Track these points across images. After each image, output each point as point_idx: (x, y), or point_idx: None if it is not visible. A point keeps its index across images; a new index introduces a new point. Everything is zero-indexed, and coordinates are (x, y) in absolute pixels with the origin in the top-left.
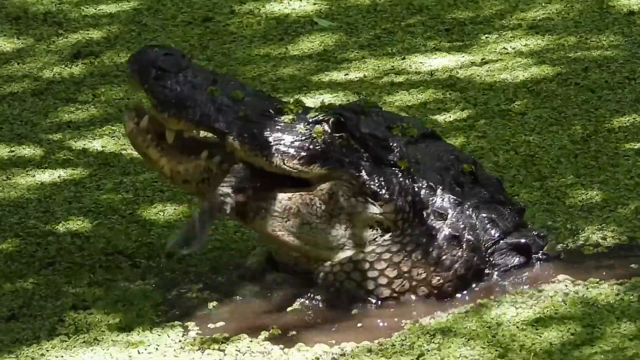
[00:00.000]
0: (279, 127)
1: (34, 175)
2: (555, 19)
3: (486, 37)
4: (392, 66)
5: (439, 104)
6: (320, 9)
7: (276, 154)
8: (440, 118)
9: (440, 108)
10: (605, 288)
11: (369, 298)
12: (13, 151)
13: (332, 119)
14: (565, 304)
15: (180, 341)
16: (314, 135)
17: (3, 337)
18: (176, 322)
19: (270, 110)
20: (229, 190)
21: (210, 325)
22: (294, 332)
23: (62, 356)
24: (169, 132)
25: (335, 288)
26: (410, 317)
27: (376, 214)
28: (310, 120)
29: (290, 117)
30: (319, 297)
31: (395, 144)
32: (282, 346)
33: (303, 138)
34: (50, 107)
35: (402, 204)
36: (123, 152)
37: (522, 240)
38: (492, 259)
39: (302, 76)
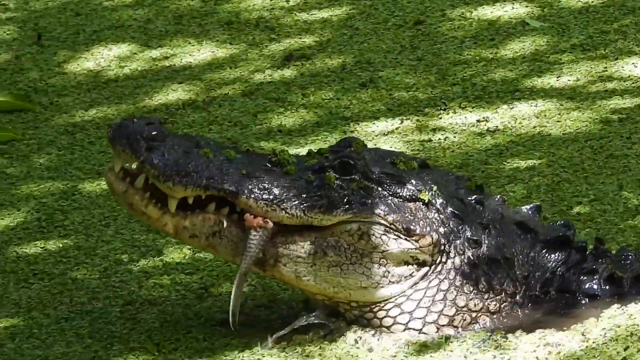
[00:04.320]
0: (286, 179)
1: None
2: None
3: None
4: (605, 68)
5: None
6: (532, 10)
7: (296, 207)
8: None
9: None
10: None
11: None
12: None
13: (338, 163)
14: None
15: None
16: (327, 182)
17: (223, 340)
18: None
19: (267, 164)
20: (249, 262)
21: None
22: None
23: None
24: (171, 200)
25: (376, 329)
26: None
27: (411, 249)
28: (316, 167)
29: (292, 167)
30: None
31: (408, 178)
32: None
33: (317, 187)
34: (259, 108)
35: (436, 237)
36: None
37: (559, 234)
38: (535, 262)
39: (514, 78)
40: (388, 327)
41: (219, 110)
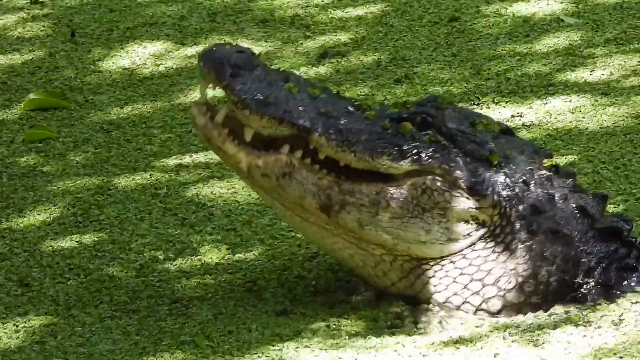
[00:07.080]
0: (363, 123)
1: None
2: None
3: None
4: (639, 62)
5: None
6: (567, 7)
7: (364, 150)
8: None
9: None
10: None
11: (472, 300)
12: None
13: (418, 118)
14: None
15: None
16: (402, 132)
17: (274, 330)
18: None
19: (349, 107)
20: None
21: None
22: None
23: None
24: (247, 129)
25: (435, 287)
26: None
27: (472, 208)
28: (395, 116)
29: (372, 113)
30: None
31: (482, 139)
32: None
33: (391, 134)
34: None
35: (497, 199)
36: None
37: (613, 225)
38: (585, 248)
39: (548, 72)
40: (440, 279)
41: None
